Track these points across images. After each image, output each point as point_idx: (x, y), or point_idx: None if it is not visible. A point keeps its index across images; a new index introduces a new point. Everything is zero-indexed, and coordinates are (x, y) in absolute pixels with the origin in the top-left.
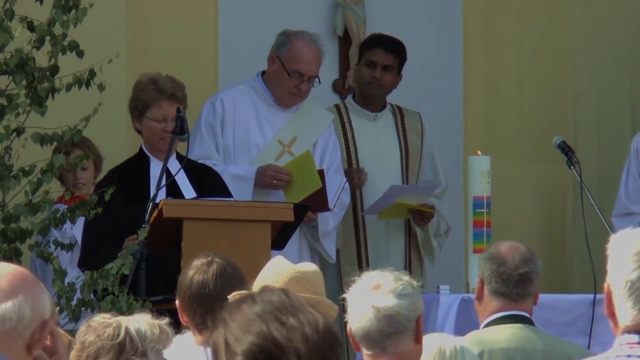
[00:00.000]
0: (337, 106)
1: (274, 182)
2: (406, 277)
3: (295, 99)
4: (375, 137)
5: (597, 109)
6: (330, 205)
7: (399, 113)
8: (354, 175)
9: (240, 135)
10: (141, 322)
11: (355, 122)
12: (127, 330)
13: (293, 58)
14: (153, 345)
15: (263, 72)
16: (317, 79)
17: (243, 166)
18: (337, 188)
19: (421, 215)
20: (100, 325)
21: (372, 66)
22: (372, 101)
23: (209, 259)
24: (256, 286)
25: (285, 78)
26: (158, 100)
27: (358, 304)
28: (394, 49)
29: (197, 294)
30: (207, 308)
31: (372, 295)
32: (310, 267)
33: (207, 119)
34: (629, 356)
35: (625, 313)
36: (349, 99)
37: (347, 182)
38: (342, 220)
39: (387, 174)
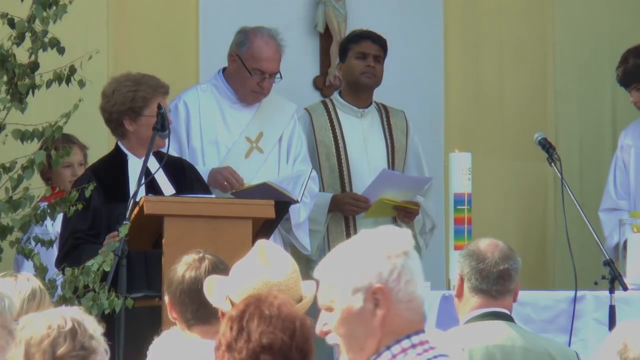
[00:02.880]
0: (324, 102)
1: (225, 183)
2: None
3: (258, 97)
4: (363, 133)
5: (577, 106)
6: (298, 197)
7: (384, 111)
8: (348, 201)
9: (207, 135)
10: (73, 311)
11: (343, 118)
12: (72, 318)
13: (253, 56)
14: (94, 329)
15: (224, 69)
16: (278, 75)
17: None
18: (302, 179)
19: (406, 212)
20: (43, 319)
21: (364, 57)
22: (362, 95)
23: (200, 255)
24: (231, 277)
25: (246, 76)
26: (156, 97)
27: None
28: (380, 41)
29: (190, 289)
30: (199, 304)
31: None
32: (281, 273)
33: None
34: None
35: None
36: (336, 95)
37: (313, 170)
38: (312, 208)
39: (374, 170)
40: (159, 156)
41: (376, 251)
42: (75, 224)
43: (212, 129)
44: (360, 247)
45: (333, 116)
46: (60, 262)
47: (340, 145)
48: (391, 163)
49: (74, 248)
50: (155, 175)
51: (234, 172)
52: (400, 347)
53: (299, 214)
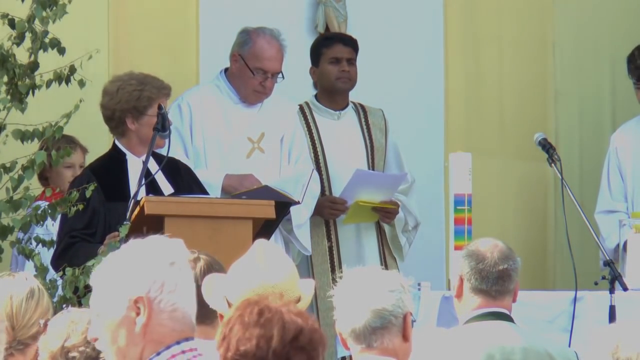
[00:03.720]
0: (300, 106)
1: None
2: (394, 275)
3: (260, 96)
4: (341, 135)
5: (577, 106)
6: (299, 198)
7: (362, 110)
8: (327, 204)
9: (210, 135)
10: None
11: (320, 122)
12: None
13: (255, 56)
14: None
15: (226, 70)
16: (280, 75)
17: (209, 172)
18: (304, 180)
19: (386, 212)
20: (79, 313)
21: (337, 62)
22: (338, 98)
23: (195, 255)
24: (229, 277)
25: (248, 76)
26: (160, 97)
27: (345, 300)
28: (351, 42)
29: None
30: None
31: (359, 291)
32: (278, 274)
33: (173, 122)
34: None
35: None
36: (312, 99)
37: (315, 171)
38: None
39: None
40: (157, 156)
41: (140, 261)
42: (72, 222)
43: (214, 129)
44: (126, 257)
45: (310, 120)
46: (56, 261)
47: (319, 149)
48: (371, 163)
49: (70, 247)
50: (155, 176)
51: (258, 180)
52: (170, 353)
53: (300, 214)
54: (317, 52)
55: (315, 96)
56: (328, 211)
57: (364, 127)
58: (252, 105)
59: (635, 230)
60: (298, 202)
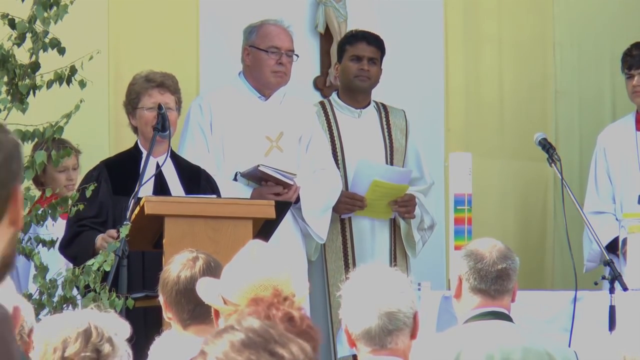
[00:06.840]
0: (321, 103)
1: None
2: (401, 274)
3: (281, 77)
4: (361, 133)
5: (577, 106)
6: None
7: (383, 110)
8: (344, 200)
9: (229, 134)
10: (95, 314)
11: (341, 119)
12: (90, 320)
13: (265, 37)
14: (115, 332)
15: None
16: (294, 54)
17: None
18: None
19: (403, 206)
20: (62, 318)
21: (358, 60)
22: (359, 97)
23: (194, 254)
24: (224, 278)
25: (264, 58)
26: (147, 89)
27: (357, 301)
28: (376, 42)
29: (186, 289)
30: (195, 303)
31: (372, 293)
32: (279, 270)
33: (195, 119)
34: None
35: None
36: (334, 96)
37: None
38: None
39: None
40: (177, 159)
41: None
42: (82, 210)
43: (233, 128)
44: None
45: (331, 117)
46: (62, 248)
47: (338, 146)
48: (390, 163)
49: (77, 235)
50: (167, 179)
51: (270, 189)
52: None
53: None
54: (341, 48)
55: (337, 93)
56: (344, 207)
57: (385, 126)
58: (271, 105)
59: (630, 230)
60: (291, 202)
